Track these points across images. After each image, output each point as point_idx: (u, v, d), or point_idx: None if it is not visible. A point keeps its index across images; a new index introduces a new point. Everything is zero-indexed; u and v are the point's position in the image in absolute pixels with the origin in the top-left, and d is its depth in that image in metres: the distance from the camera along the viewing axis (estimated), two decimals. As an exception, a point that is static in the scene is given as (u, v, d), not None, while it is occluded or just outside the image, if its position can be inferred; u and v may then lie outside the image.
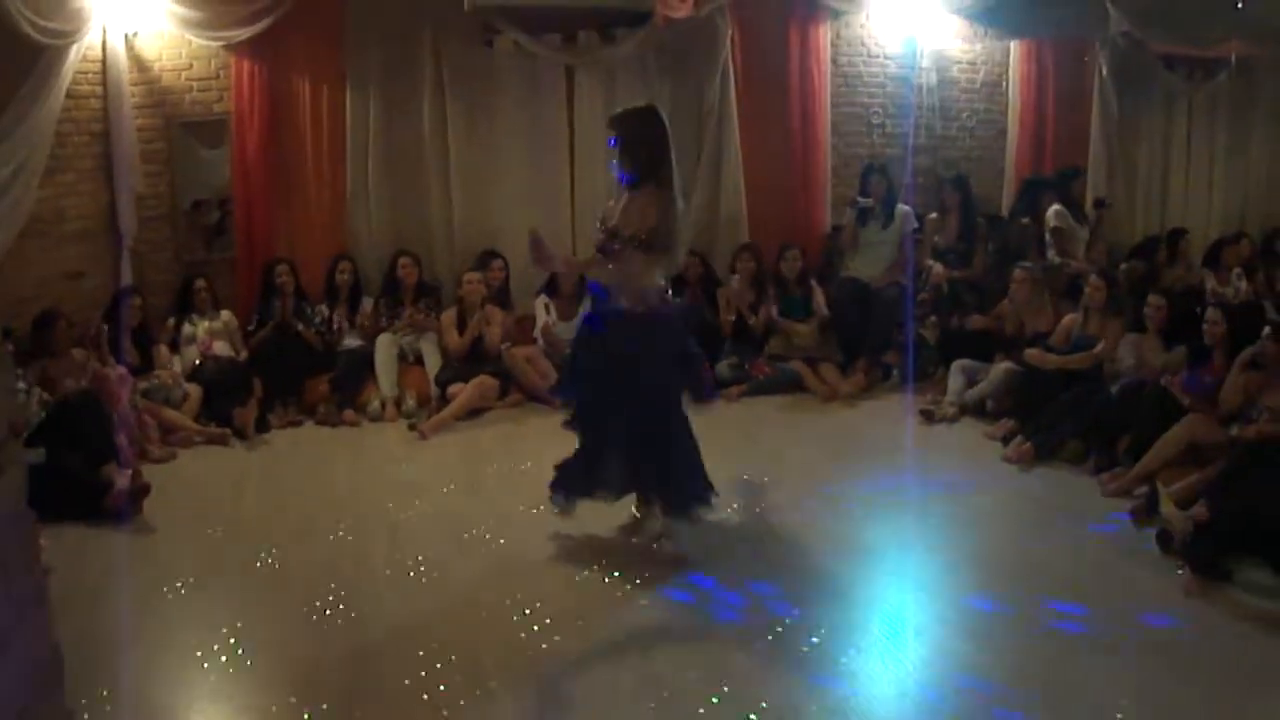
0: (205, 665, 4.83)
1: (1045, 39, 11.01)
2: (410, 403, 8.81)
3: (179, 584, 5.64)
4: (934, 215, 10.22)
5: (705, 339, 9.07)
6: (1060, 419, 7.57)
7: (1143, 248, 10.61)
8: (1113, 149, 11.47)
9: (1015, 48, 11.05)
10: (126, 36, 8.88)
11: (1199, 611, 5.28)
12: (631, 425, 5.81)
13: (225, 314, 9.07)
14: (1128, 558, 5.91)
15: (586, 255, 6.60)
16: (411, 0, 9.45)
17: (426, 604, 5.41)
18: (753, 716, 4.37)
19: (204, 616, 5.30)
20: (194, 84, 9.34)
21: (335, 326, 9.23)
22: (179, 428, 8.04)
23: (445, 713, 4.44)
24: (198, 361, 8.70)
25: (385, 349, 8.97)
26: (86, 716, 4.31)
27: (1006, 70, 11.15)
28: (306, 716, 4.40)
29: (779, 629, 5.13)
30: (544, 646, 4.97)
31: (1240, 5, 10.65)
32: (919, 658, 4.88)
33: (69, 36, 8.06)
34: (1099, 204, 10.95)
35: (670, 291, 6.10)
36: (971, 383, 8.65)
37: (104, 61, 8.78)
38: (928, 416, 8.52)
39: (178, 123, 9.33)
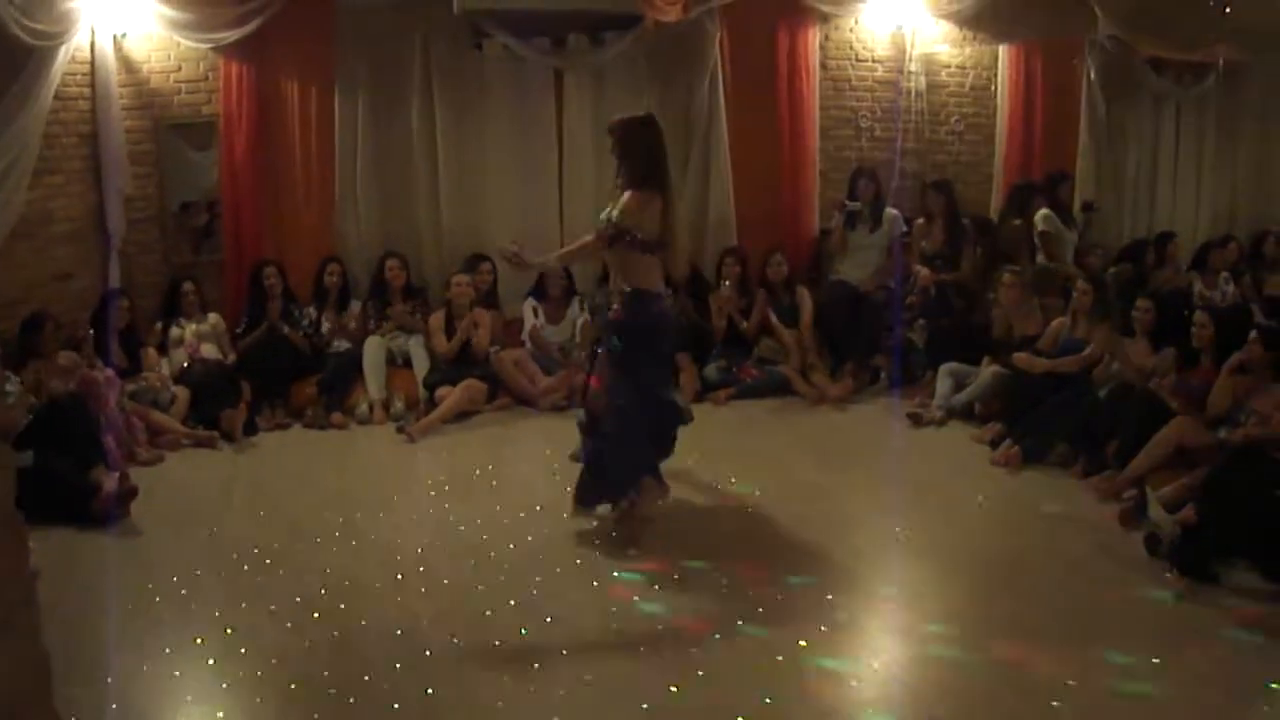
0: (193, 668, 4.83)
1: (1033, 43, 11.02)
2: (398, 405, 8.80)
3: (167, 587, 5.63)
4: (920, 220, 10.23)
5: (695, 342, 9.13)
6: (1048, 422, 7.58)
7: (1130, 251, 10.64)
8: (1101, 152, 11.49)
9: (1003, 52, 11.06)
10: (115, 38, 8.88)
11: (1187, 615, 5.29)
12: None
13: (213, 316, 9.06)
14: (1116, 561, 5.91)
15: (571, 246, 6.70)
16: (400, 3, 9.44)
17: (414, 606, 5.40)
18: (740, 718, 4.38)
19: (192, 619, 5.29)
20: (182, 86, 9.34)
21: (323, 329, 9.21)
22: (167, 430, 8.02)
23: (432, 713, 4.43)
24: (185, 364, 8.69)
25: (373, 352, 8.97)
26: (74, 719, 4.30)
27: (995, 74, 11.15)
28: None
29: (765, 633, 5.13)
30: (532, 649, 4.97)
31: (1227, 9, 10.66)
32: (905, 661, 4.89)
33: (57, 38, 8.04)
34: (1087, 207, 10.99)
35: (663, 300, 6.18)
36: (960, 386, 8.67)
37: (92, 63, 8.77)
38: (916, 420, 8.53)
39: (166, 125, 9.33)
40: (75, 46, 8.47)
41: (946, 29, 10.87)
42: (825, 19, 10.53)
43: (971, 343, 8.96)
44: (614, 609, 5.41)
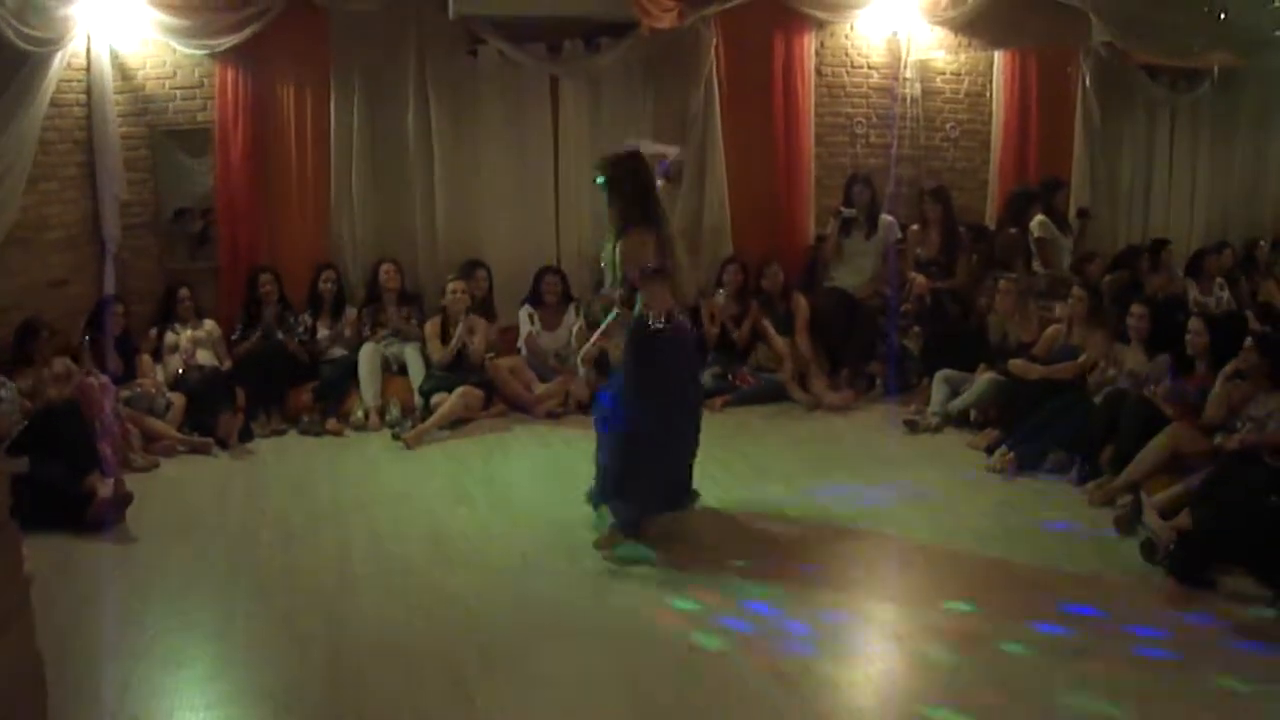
0: (188, 675, 4.82)
1: (1028, 49, 11.03)
2: (394, 412, 8.79)
3: (161, 593, 5.62)
4: (915, 227, 10.24)
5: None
6: (1044, 429, 7.59)
7: (1125, 257, 10.64)
8: (1096, 159, 11.50)
9: (998, 58, 11.08)
10: (111, 45, 8.87)
11: (1183, 621, 5.29)
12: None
13: (209, 323, 9.04)
14: (1112, 567, 5.91)
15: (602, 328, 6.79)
16: (396, 9, 9.43)
17: (409, 613, 5.40)
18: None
19: (186, 626, 5.28)
20: (178, 92, 9.32)
21: (319, 336, 9.20)
22: (162, 437, 8.01)
23: (429, 723, 4.44)
24: (181, 370, 8.67)
25: (369, 358, 8.96)
26: (68, 727, 4.30)
27: (990, 80, 11.17)
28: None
29: (761, 638, 5.13)
30: (526, 656, 4.96)
31: (1222, 16, 10.68)
32: (902, 667, 4.89)
33: (53, 44, 8.04)
34: (1082, 214, 11.00)
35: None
36: (955, 393, 8.67)
37: (88, 69, 8.79)
38: (911, 427, 8.53)
39: (161, 131, 9.32)
40: (71, 53, 8.48)
41: (942, 35, 10.89)
42: (820, 25, 10.55)
43: (967, 349, 8.96)
44: (611, 615, 5.41)
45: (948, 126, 11.16)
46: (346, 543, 6.34)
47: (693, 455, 6.46)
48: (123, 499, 6.58)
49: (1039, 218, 10.28)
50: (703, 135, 10.23)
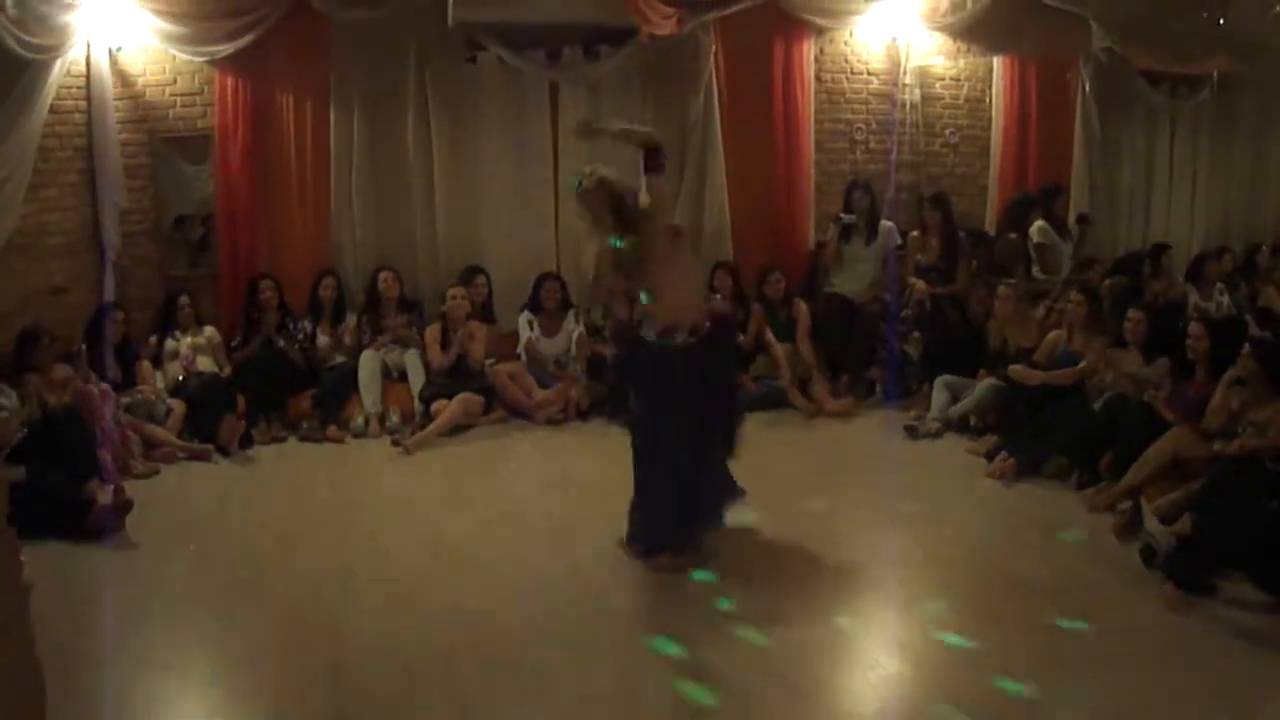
0: (188, 682, 4.82)
1: (1028, 55, 11.04)
2: (394, 419, 8.79)
3: (161, 600, 5.62)
4: (915, 233, 10.24)
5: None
6: (1044, 434, 7.58)
7: (1125, 263, 10.65)
8: (1095, 165, 11.52)
9: (998, 64, 11.09)
10: (111, 51, 8.89)
11: (1183, 626, 5.28)
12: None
13: (209, 329, 9.05)
14: (1112, 573, 5.90)
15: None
16: (396, 16, 9.43)
17: (409, 620, 5.39)
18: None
19: (187, 633, 5.28)
20: (178, 99, 9.34)
21: (319, 342, 9.20)
22: (162, 443, 8.01)
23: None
24: (181, 377, 8.67)
25: (369, 365, 8.96)
26: (68, 735, 4.29)
27: (989, 86, 11.18)
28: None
29: (761, 644, 5.12)
30: (526, 664, 4.95)
31: (1222, 22, 10.70)
32: (902, 674, 4.88)
33: (53, 51, 8.07)
34: (1082, 219, 11.00)
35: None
36: (955, 399, 8.67)
37: (88, 76, 8.80)
38: (911, 432, 8.53)
39: (161, 138, 9.34)
40: (71, 60, 8.50)
41: (941, 41, 10.90)
42: (820, 32, 10.55)
43: (967, 355, 8.96)
44: (610, 622, 5.41)
45: (947, 132, 11.16)
46: (346, 549, 6.33)
47: (710, 471, 6.18)
48: (123, 506, 6.57)
49: (1039, 223, 10.30)
50: (702, 142, 10.24)
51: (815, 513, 6.84)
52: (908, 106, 10.89)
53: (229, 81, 9.30)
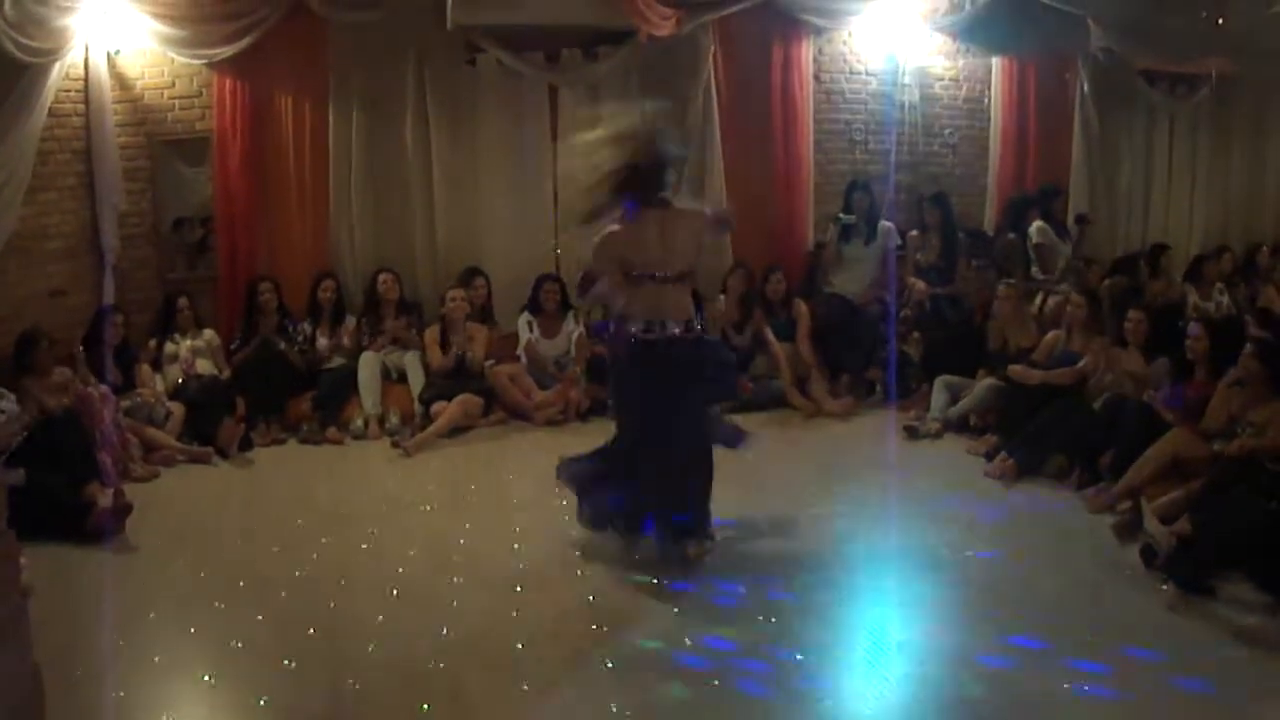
0: (188, 685, 4.82)
1: (1027, 55, 11.04)
2: (394, 421, 8.80)
3: (161, 604, 5.61)
4: (915, 233, 10.24)
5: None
6: (1044, 435, 7.58)
7: (1124, 263, 10.65)
8: (1094, 165, 11.52)
9: (997, 64, 11.09)
10: (109, 55, 8.91)
11: (1183, 627, 5.28)
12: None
13: (208, 332, 9.05)
14: (1111, 573, 5.90)
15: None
16: (394, 18, 9.43)
17: (409, 623, 5.38)
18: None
19: (186, 636, 5.27)
20: (176, 102, 9.35)
21: (318, 344, 9.20)
22: (162, 446, 8.01)
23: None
24: (180, 380, 8.67)
25: (368, 367, 8.96)
26: (67, 738, 4.29)
27: (988, 87, 11.18)
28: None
29: (761, 647, 5.11)
30: (527, 666, 4.94)
31: (1220, 21, 10.70)
32: (902, 675, 4.88)
33: (51, 55, 8.07)
34: (1081, 220, 11.00)
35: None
36: (955, 399, 8.67)
37: (86, 79, 8.81)
38: (911, 433, 8.53)
39: (160, 141, 9.35)
40: (69, 63, 8.50)
41: (940, 42, 10.90)
42: (819, 32, 10.55)
43: (967, 355, 8.96)
44: (612, 623, 5.40)
45: (946, 133, 11.16)
46: (346, 551, 6.33)
47: (684, 483, 6.01)
48: (122, 509, 6.57)
49: (1038, 223, 10.31)
50: (701, 143, 10.23)
51: (815, 513, 6.83)
52: (906, 107, 10.88)
53: (227, 84, 9.30)
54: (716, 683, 4.79)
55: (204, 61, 9.14)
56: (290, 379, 8.97)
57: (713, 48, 10.14)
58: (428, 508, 7.13)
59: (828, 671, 4.91)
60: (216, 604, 5.63)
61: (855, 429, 8.95)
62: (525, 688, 4.76)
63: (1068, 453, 7.47)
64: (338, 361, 9.16)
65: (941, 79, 11.05)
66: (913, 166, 11.06)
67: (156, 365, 8.75)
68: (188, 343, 8.86)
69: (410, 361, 9.12)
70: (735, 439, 6.54)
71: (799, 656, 5.00)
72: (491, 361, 9.22)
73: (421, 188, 9.87)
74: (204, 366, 8.84)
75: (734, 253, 10.19)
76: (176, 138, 9.40)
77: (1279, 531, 5.47)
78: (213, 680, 4.85)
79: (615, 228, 5.81)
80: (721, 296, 9.71)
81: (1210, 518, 5.70)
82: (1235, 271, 10.96)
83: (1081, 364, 7.94)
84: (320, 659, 5.01)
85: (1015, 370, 8.16)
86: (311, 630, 5.29)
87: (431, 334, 9.17)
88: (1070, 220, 10.91)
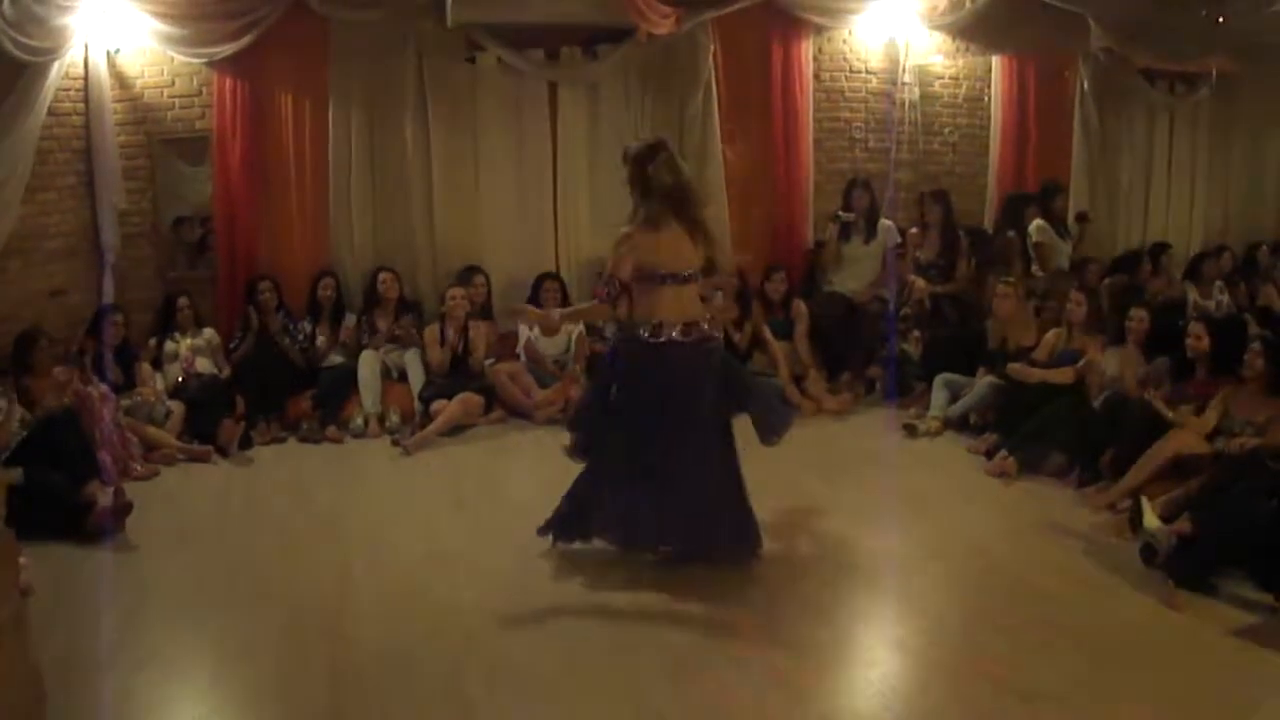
0: (188, 683, 4.82)
1: (1027, 54, 11.04)
2: (394, 419, 8.80)
3: (161, 603, 5.61)
4: (915, 230, 10.24)
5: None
6: (1044, 433, 7.58)
7: (1125, 261, 10.65)
8: (1094, 163, 11.53)
9: (997, 63, 11.09)
10: (108, 54, 8.90)
11: (1183, 625, 5.28)
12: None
13: (208, 331, 9.05)
14: (1112, 572, 5.90)
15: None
16: (394, 16, 9.43)
17: (409, 622, 5.38)
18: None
19: (186, 636, 5.28)
20: (176, 101, 9.34)
21: (318, 343, 9.20)
22: (162, 445, 8.01)
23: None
24: (180, 379, 8.66)
25: (368, 365, 8.96)
26: (68, 737, 4.29)
27: (988, 85, 11.18)
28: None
29: (761, 643, 5.12)
30: (525, 663, 4.95)
31: (1220, 20, 10.69)
32: (900, 672, 4.88)
33: (51, 54, 8.05)
34: (1081, 218, 11.00)
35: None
36: (955, 397, 8.66)
37: (86, 79, 8.80)
38: (911, 431, 8.53)
39: (160, 140, 9.34)
40: (68, 62, 8.49)
41: (940, 40, 10.90)
42: (819, 31, 10.55)
43: (967, 353, 8.95)
44: (614, 621, 5.40)
45: (946, 131, 11.16)
46: (346, 550, 6.32)
47: (683, 497, 5.84)
48: (123, 508, 6.56)
49: (1037, 222, 10.32)
50: (701, 141, 10.22)
51: (814, 511, 6.83)
52: (906, 105, 10.88)
53: (227, 83, 9.29)
54: (721, 675, 4.80)
55: (204, 60, 9.13)
56: (290, 377, 8.97)
57: (712, 46, 10.14)
58: (428, 506, 7.14)
59: (825, 669, 4.91)
60: (217, 603, 5.63)
61: (855, 427, 8.95)
62: (525, 685, 4.76)
63: (1067, 451, 7.47)
64: (337, 360, 9.16)
65: (941, 77, 11.05)
66: (912, 165, 11.06)
67: (156, 364, 8.73)
68: (188, 341, 8.85)
69: (410, 360, 9.12)
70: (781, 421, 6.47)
71: (797, 655, 5.00)
72: (491, 360, 9.22)
73: (421, 186, 9.86)
74: (204, 365, 8.83)
75: (733, 250, 10.16)
76: (176, 137, 9.39)
77: (1279, 530, 5.47)
78: (212, 678, 4.85)
79: (630, 228, 5.80)
80: (718, 294, 9.67)
81: (1211, 516, 5.70)
82: (1235, 270, 10.96)
83: (1081, 362, 7.94)
84: (320, 656, 5.01)
85: (1015, 368, 8.15)
86: (311, 628, 5.29)
87: (431, 332, 9.17)
88: (1070, 218, 10.91)
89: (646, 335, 5.73)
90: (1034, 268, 10.19)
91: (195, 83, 9.33)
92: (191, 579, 5.95)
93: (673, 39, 9.82)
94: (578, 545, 6.16)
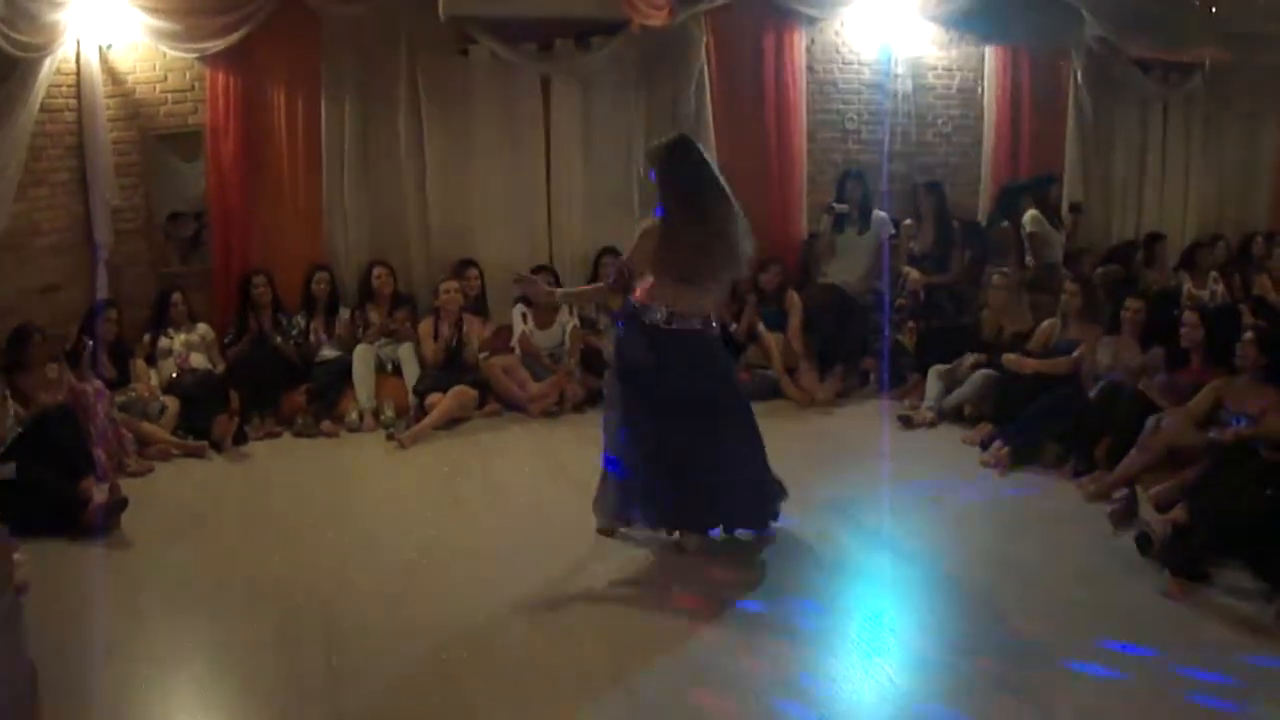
0: (183, 679, 4.82)
1: (1020, 45, 11.03)
2: (388, 413, 8.79)
3: (156, 598, 5.61)
4: (909, 221, 10.24)
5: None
6: (1039, 423, 7.59)
7: (1119, 252, 10.65)
8: (1088, 154, 11.51)
9: (990, 54, 11.08)
10: (101, 49, 8.88)
11: (1179, 614, 5.29)
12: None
13: (202, 326, 9.03)
14: (1107, 561, 5.91)
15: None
16: (386, 10, 9.42)
17: (405, 617, 5.38)
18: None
19: (181, 632, 5.27)
20: (169, 96, 9.33)
21: (312, 337, 9.19)
22: (156, 441, 8.00)
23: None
24: (175, 374, 8.65)
25: (363, 359, 8.95)
26: (63, 733, 4.29)
27: (981, 76, 11.16)
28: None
29: (758, 638, 5.12)
30: (524, 659, 4.95)
31: (1214, 10, 10.69)
32: (899, 663, 4.88)
33: (43, 49, 8.04)
34: (1074, 209, 11.00)
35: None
36: (950, 388, 8.66)
37: (78, 74, 8.78)
38: (906, 422, 8.53)
39: (153, 135, 9.33)
40: (61, 58, 8.48)
41: (933, 31, 10.88)
42: (811, 22, 10.54)
43: (961, 344, 8.95)
44: (610, 616, 5.40)
45: (939, 122, 11.15)
46: (342, 544, 6.32)
47: (702, 476, 5.92)
48: (117, 504, 6.56)
49: (1031, 212, 10.32)
50: (694, 133, 10.18)
51: (810, 503, 6.80)
52: (900, 96, 10.87)
53: (220, 78, 9.28)
54: (719, 671, 4.80)
55: (196, 55, 9.13)
56: (284, 372, 8.95)
57: (705, 38, 10.11)
58: (423, 500, 7.14)
59: (824, 659, 4.91)
60: (211, 598, 5.63)
61: (850, 418, 8.95)
62: (524, 682, 4.76)
63: (1063, 441, 7.47)
64: (332, 354, 9.15)
65: (934, 68, 11.03)
66: (906, 156, 11.04)
67: (151, 360, 8.72)
68: (182, 337, 8.84)
69: (405, 354, 9.11)
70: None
71: (794, 646, 5.01)
72: (485, 353, 9.22)
73: (414, 179, 9.85)
74: (198, 360, 8.81)
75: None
76: (169, 132, 9.38)
77: (1275, 518, 5.48)
78: (208, 674, 4.85)
79: (650, 223, 5.84)
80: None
81: (1206, 505, 5.72)
82: (1229, 260, 10.96)
83: (1076, 353, 7.94)
84: (316, 651, 5.00)
85: (1010, 359, 8.17)
86: (307, 623, 5.29)
87: (425, 326, 9.16)
88: (1064, 209, 10.92)
89: (660, 319, 5.78)
90: (1028, 258, 10.19)
91: (188, 78, 9.32)
92: (186, 574, 5.95)
93: (666, 31, 9.80)
94: (592, 536, 6.23)
